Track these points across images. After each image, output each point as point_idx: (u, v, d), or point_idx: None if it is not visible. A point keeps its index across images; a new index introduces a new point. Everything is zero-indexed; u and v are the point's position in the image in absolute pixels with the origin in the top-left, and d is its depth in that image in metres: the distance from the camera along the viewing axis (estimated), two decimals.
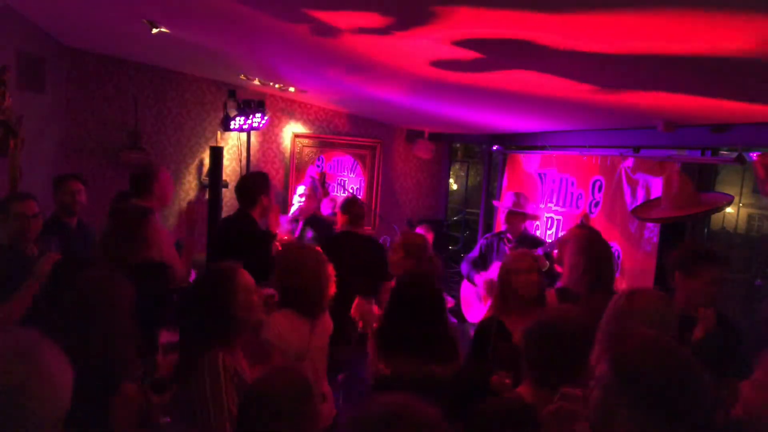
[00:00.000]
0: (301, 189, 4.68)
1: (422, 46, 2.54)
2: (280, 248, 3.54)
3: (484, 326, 2.76)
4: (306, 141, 6.32)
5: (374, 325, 2.70)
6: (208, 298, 1.95)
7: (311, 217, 4.62)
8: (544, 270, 3.87)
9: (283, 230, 4.52)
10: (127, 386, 1.80)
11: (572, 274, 2.91)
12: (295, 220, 4.59)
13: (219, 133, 5.95)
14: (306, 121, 6.31)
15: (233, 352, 1.98)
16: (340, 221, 3.90)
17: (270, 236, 3.54)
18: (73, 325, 1.83)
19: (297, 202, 4.63)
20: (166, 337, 2.19)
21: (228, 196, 6.01)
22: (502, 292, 2.74)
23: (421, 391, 1.96)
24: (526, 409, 1.74)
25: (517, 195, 4.29)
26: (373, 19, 2.23)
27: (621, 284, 3.85)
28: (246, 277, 2.05)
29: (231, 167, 6.05)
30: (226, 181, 5.79)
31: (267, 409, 1.56)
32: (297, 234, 4.55)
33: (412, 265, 3.02)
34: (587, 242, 2.98)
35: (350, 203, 3.96)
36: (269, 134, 6.18)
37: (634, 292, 2.07)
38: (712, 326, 2.37)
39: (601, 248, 2.96)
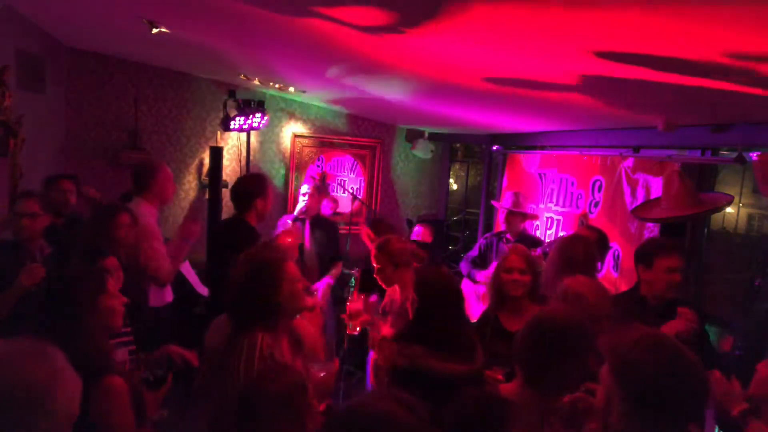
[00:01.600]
0: (304, 188, 4.61)
1: (424, 46, 2.54)
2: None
3: (481, 321, 2.82)
4: (306, 141, 6.32)
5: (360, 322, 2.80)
6: (255, 284, 2.05)
7: (315, 218, 4.58)
8: (540, 270, 3.87)
9: (287, 229, 4.47)
10: (110, 378, 1.79)
11: (544, 276, 2.95)
12: (298, 219, 4.51)
13: (219, 133, 5.95)
14: (306, 121, 6.31)
15: (275, 336, 2.07)
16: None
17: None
18: (51, 318, 1.85)
19: (301, 200, 4.55)
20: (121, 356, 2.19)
21: (228, 196, 6.01)
22: (493, 289, 2.79)
23: (437, 387, 1.97)
24: (499, 402, 1.73)
25: (516, 195, 4.30)
26: (376, 17, 2.23)
27: (620, 284, 3.86)
28: (292, 268, 2.16)
29: (231, 167, 6.04)
30: (226, 181, 5.78)
31: (263, 403, 1.60)
32: (306, 235, 4.54)
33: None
34: (564, 245, 3.01)
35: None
36: (269, 134, 6.18)
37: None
38: (695, 325, 2.41)
39: (574, 253, 2.93)
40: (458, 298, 2.41)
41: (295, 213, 4.51)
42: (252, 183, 3.58)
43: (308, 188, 4.56)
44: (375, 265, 2.95)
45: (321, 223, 4.57)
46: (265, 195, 3.51)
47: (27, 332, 1.37)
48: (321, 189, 4.79)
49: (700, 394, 1.41)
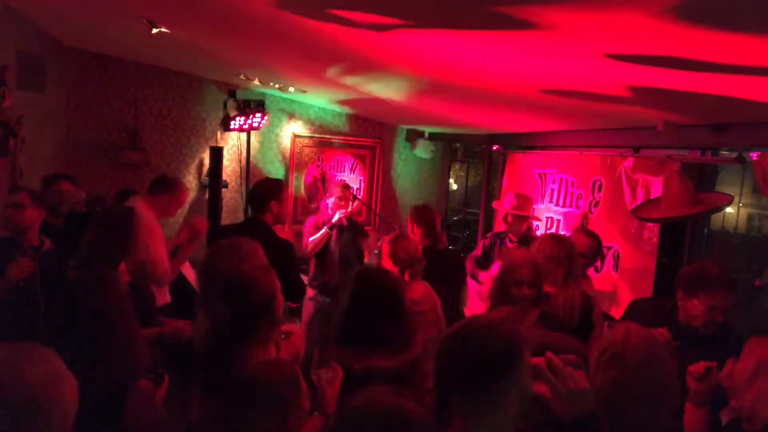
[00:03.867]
0: (337, 191, 4.61)
1: (425, 45, 2.54)
2: None
3: None
4: (306, 141, 6.32)
5: None
6: (260, 297, 1.99)
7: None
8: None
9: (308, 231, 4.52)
10: (141, 382, 1.80)
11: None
12: (335, 227, 4.49)
13: (219, 133, 5.95)
14: (306, 121, 6.31)
15: (267, 349, 2.04)
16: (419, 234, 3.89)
17: (291, 246, 3.39)
18: (81, 326, 1.82)
19: (337, 208, 4.51)
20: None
21: (228, 196, 6.02)
22: (501, 298, 2.68)
23: (358, 383, 1.91)
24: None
25: (518, 197, 4.28)
26: (381, 18, 2.23)
27: (620, 284, 3.86)
28: (275, 281, 2.10)
29: (231, 167, 6.05)
30: (225, 181, 5.78)
31: (252, 390, 1.61)
32: (333, 237, 4.54)
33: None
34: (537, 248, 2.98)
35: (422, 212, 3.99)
36: (269, 134, 6.18)
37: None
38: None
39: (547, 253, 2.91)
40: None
41: (334, 220, 4.47)
42: (269, 185, 3.62)
43: (340, 190, 4.59)
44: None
45: (347, 225, 4.63)
46: (279, 198, 3.54)
47: (56, 342, 1.36)
48: (347, 188, 4.76)
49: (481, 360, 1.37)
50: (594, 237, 3.49)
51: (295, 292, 3.29)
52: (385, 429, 1.15)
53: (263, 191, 3.54)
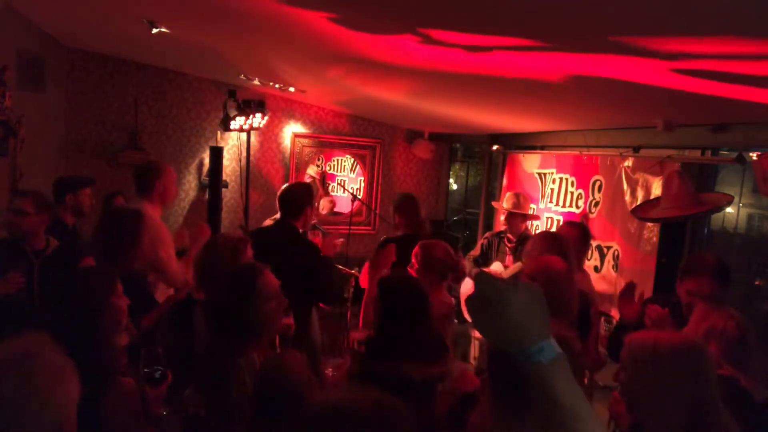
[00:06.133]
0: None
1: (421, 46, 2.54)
2: None
3: None
4: (306, 141, 6.32)
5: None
6: (240, 304, 1.97)
7: None
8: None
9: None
10: (122, 380, 1.77)
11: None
12: (317, 227, 4.33)
13: (219, 133, 5.95)
14: (306, 121, 6.31)
15: (264, 352, 2.03)
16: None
17: (319, 250, 3.28)
18: (63, 321, 1.79)
19: (329, 208, 4.36)
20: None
21: (228, 196, 6.02)
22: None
23: (416, 390, 1.92)
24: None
25: (517, 195, 4.29)
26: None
27: (620, 284, 3.86)
28: (271, 281, 2.04)
29: (231, 167, 6.05)
30: (226, 181, 5.79)
31: (280, 391, 1.59)
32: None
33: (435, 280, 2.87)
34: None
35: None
36: (269, 134, 6.18)
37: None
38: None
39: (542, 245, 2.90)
40: (424, 301, 2.25)
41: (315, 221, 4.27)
42: (303, 191, 3.53)
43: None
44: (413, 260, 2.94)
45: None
46: (313, 204, 3.52)
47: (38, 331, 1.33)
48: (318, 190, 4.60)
49: None
50: (576, 226, 3.49)
51: (323, 295, 3.24)
52: (372, 421, 1.11)
53: (300, 196, 3.42)
